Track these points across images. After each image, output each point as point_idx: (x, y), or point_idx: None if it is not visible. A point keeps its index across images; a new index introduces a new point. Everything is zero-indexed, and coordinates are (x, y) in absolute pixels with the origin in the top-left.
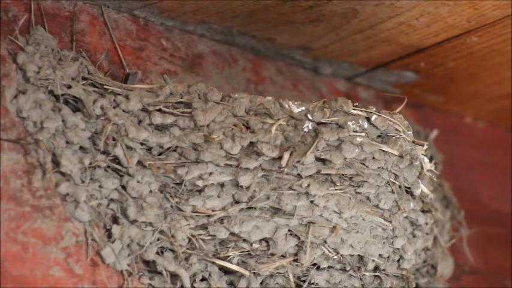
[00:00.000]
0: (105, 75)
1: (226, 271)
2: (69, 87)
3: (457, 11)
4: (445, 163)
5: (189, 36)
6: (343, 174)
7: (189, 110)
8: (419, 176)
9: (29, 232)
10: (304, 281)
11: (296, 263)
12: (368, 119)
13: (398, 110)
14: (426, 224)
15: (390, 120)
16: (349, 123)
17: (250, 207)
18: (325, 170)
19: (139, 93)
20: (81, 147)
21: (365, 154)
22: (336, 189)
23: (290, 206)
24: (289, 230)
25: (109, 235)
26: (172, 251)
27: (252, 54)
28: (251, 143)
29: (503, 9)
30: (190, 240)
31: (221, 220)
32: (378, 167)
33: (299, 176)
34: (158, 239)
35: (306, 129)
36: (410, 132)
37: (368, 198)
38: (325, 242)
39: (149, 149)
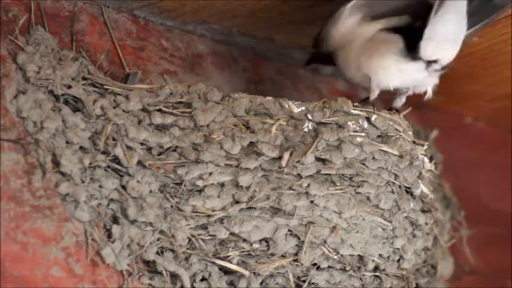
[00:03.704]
0: (105, 75)
1: (226, 271)
2: (69, 87)
3: None
4: (445, 163)
5: (189, 36)
6: (343, 174)
7: (189, 110)
8: (419, 176)
9: (29, 232)
10: (304, 281)
11: (296, 263)
12: (368, 119)
13: (402, 114)
14: (426, 224)
15: (390, 120)
16: (349, 123)
17: (250, 207)
18: (325, 170)
19: (139, 93)
20: (81, 147)
21: (365, 154)
22: (336, 189)
23: (290, 206)
24: (289, 230)
25: (109, 235)
26: (172, 251)
27: (252, 54)
28: (251, 143)
29: None
30: (190, 240)
31: (221, 220)
32: (378, 167)
33: (299, 176)
34: (158, 239)
35: (306, 129)
36: (410, 132)
37: (368, 198)
38: (325, 242)
39: (149, 149)
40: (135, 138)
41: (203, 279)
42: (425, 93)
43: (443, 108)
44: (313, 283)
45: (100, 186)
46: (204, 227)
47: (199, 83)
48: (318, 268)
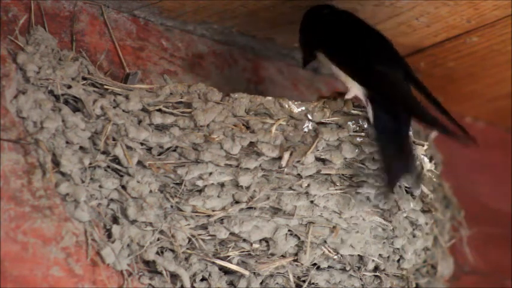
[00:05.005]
0: (105, 75)
1: (226, 271)
2: (69, 87)
3: (457, 11)
4: (445, 163)
5: (189, 36)
6: (343, 174)
7: (189, 110)
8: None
9: (29, 232)
10: (304, 281)
11: (296, 263)
12: (368, 119)
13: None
14: (426, 224)
15: None
16: (349, 123)
17: (250, 207)
18: (325, 170)
19: (139, 93)
20: (81, 147)
21: (365, 154)
22: (336, 189)
23: (290, 206)
24: (289, 230)
25: (109, 235)
26: (172, 251)
27: (252, 54)
28: (251, 143)
29: (503, 9)
30: (190, 240)
31: (221, 220)
32: (378, 167)
33: (299, 176)
34: (158, 239)
35: (306, 129)
36: (411, 132)
37: (368, 198)
38: (325, 242)
39: (149, 149)
40: (135, 138)
41: (203, 279)
42: None
43: None
44: (313, 283)
45: (100, 186)
46: (204, 227)
47: (199, 83)
48: (318, 268)
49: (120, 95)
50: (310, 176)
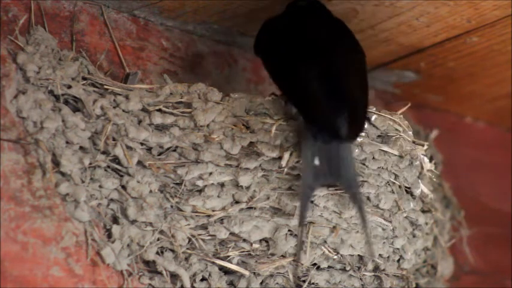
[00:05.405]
0: (105, 75)
1: (226, 271)
2: (69, 87)
3: (457, 11)
4: (445, 163)
5: (189, 36)
6: None
7: (189, 110)
8: (419, 176)
9: (29, 232)
10: (304, 281)
11: (296, 263)
12: (368, 119)
13: (400, 112)
14: (426, 224)
15: (390, 120)
16: None
17: (250, 207)
18: None
19: (139, 93)
20: (81, 147)
21: (365, 154)
22: (336, 189)
23: (290, 206)
24: (289, 230)
25: (109, 235)
26: (172, 251)
27: (252, 54)
28: (251, 143)
29: (503, 9)
30: (190, 240)
31: (221, 220)
32: (378, 167)
33: (299, 176)
34: (158, 239)
35: None
36: (411, 132)
37: (368, 198)
38: (325, 242)
39: (149, 149)
40: (135, 138)
41: (203, 279)
42: None
43: (443, 108)
44: (313, 283)
45: (100, 186)
46: (204, 227)
47: (199, 83)
48: (318, 268)
49: (120, 95)
50: None
